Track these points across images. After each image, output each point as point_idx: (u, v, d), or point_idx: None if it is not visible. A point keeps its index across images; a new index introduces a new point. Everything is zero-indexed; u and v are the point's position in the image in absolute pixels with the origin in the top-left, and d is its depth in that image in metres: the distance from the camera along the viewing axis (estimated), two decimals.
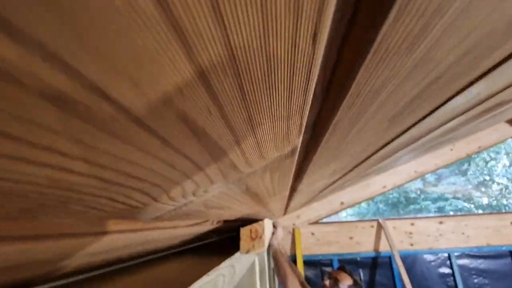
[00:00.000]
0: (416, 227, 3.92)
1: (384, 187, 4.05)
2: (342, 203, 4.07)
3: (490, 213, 3.77)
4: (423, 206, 11.27)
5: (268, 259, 1.66)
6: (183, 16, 0.12)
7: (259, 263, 1.38)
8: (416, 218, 3.98)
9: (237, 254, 0.76)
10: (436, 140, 0.78)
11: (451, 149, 3.97)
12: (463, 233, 3.78)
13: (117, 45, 0.12)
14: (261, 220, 0.72)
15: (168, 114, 0.18)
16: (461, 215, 3.87)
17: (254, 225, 0.71)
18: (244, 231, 0.71)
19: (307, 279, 3.84)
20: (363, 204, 12.96)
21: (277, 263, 1.42)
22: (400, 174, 3.98)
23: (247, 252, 0.68)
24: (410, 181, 4.02)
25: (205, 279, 0.42)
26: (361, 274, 3.86)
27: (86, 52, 0.12)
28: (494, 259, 3.65)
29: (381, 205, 12.33)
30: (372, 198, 4.08)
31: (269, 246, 1.45)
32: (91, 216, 0.29)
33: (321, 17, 0.15)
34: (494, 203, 10.60)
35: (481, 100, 0.47)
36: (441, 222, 3.87)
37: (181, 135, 0.22)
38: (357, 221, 4.04)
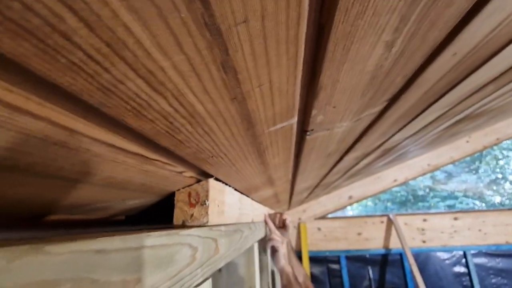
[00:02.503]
0: (429, 223, 3.70)
1: (395, 181, 3.84)
2: (350, 197, 3.87)
3: (510, 209, 3.52)
4: (432, 204, 10.93)
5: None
6: None
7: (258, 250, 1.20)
8: (429, 213, 3.76)
9: (223, 227, 0.58)
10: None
11: (467, 141, 3.73)
12: (480, 230, 3.54)
13: None
14: (204, 180, 0.53)
15: None
16: (478, 211, 3.63)
17: (195, 186, 0.52)
18: (180, 196, 0.51)
19: (313, 276, 3.66)
20: (370, 203, 12.70)
21: None
22: (412, 167, 3.76)
23: (183, 223, 0.49)
24: (424, 174, 3.79)
25: (137, 240, 0.25)
26: (370, 272, 3.66)
27: None
28: None
29: (388, 204, 12.04)
30: (383, 192, 3.87)
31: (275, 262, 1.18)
32: None
33: None
34: (507, 202, 10.21)
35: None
36: (456, 218, 3.65)
37: None
38: (366, 216, 3.84)
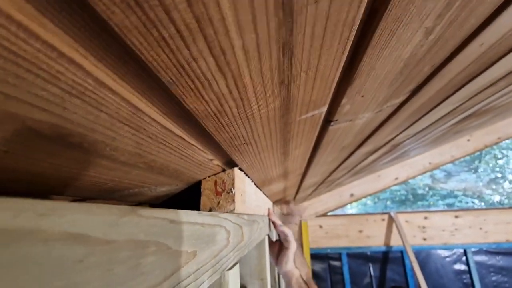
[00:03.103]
0: (430, 221, 3.72)
1: (397, 179, 3.86)
2: (352, 195, 3.89)
3: (511, 208, 3.55)
4: (432, 203, 10.98)
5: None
6: None
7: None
8: (430, 211, 3.78)
9: (246, 216, 0.59)
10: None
11: (468, 140, 3.75)
12: (480, 228, 3.57)
13: None
14: (230, 169, 0.54)
15: None
16: (479, 209, 3.66)
17: (221, 174, 0.53)
18: (206, 184, 0.52)
19: (314, 273, 3.68)
20: (369, 202, 12.74)
21: None
22: (413, 166, 3.78)
23: (210, 211, 0.50)
24: (424, 173, 3.81)
25: (194, 216, 0.26)
26: (371, 269, 3.68)
27: None
28: None
29: (388, 202, 12.08)
30: (384, 190, 3.89)
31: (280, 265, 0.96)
32: None
33: None
34: (506, 201, 10.27)
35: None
36: (457, 216, 3.67)
37: None
38: (367, 214, 3.86)
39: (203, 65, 0.21)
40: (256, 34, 0.21)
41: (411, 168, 3.78)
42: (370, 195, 3.94)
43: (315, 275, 3.69)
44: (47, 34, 0.15)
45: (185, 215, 0.24)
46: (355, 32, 0.26)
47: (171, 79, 0.22)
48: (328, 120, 0.52)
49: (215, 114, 0.30)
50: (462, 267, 3.52)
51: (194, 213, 0.27)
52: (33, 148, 0.23)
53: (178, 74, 0.21)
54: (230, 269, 0.43)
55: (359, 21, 0.24)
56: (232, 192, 0.53)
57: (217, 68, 0.23)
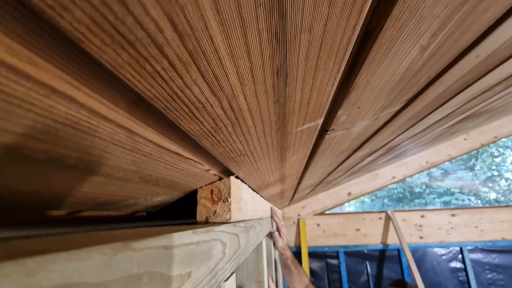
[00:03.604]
0: (427, 220, 3.75)
1: (394, 177, 3.87)
2: (349, 193, 3.91)
3: (507, 206, 3.58)
4: (428, 201, 11.06)
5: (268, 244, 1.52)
6: None
7: (266, 246, 1.22)
8: (426, 210, 3.80)
9: (243, 223, 0.59)
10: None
11: (465, 139, 3.77)
12: (476, 227, 3.60)
13: None
14: (227, 178, 0.54)
15: None
16: (475, 208, 3.68)
17: (217, 183, 0.53)
18: (203, 193, 0.52)
19: (312, 271, 3.70)
20: (367, 199, 12.80)
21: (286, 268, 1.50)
22: (411, 165, 3.80)
23: (206, 220, 0.50)
24: (421, 171, 3.83)
25: (189, 237, 0.26)
26: (368, 267, 3.71)
27: None
28: (509, 254, 3.47)
29: (385, 200, 12.15)
30: (381, 189, 3.91)
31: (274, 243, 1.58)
32: None
33: None
34: (502, 198, 10.35)
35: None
36: (453, 215, 3.70)
37: None
38: (364, 212, 3.88)
39: (196, 91, 0.21)
40: (250, 62, 0.21)
41: (408, 167, 3.80)
42: (367, 193, 3.96)
43: (313, 274, 3.71)
44: (39, 72, 0.15)
45: (179, 238, 0.24)
46: (350, 51, 0.26)
47: (165, 105, 0.22)
48: (324, 129, 0.53)
49: (210, 133, 0.30)
50: (458, 265, 3.55)
51: (188, 233, 0.28)
52: (27, 171, 0.23)
53: (172, 101, 0.21)
54: (226, 280, 0.43)
55: (354, 42, 0.24)
56: (228, 201, 0.53)
57: (211, 93, 0.23)
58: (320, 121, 0.44)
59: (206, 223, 0.52)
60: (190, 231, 0.29)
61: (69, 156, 0.23)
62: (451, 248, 3.62)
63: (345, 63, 0.28)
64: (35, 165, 0.23)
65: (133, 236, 0.19)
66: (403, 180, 3.99)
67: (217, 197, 0.53)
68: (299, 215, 3.92)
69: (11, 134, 0.18)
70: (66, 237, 0.17)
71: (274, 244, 1.57)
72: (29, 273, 0.10)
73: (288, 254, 1.57)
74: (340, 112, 0.43)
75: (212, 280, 0.34)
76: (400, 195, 11.90)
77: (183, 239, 0.26)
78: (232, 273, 0.47)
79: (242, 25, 0.16)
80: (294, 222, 3.89)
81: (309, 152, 0.67)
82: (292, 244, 3.79)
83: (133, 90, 0.19)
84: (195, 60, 0.18)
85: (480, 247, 3.54)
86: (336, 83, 0.32)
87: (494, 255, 3.50)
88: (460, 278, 3.50)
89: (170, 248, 0.22)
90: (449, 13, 0.26)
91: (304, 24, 0.19)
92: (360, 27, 0.23)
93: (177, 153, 0.34)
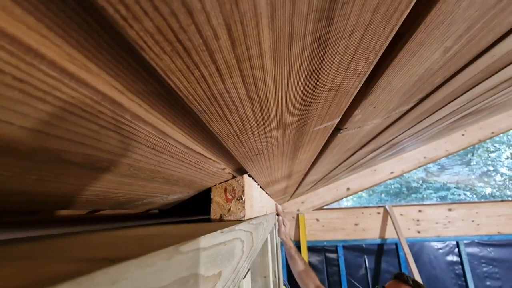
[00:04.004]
0: (424, 214, 3.79)
1: (392, 173, 3.90)
2: (348, 189, 3.93)
3: (503, 201, 3.63)
4: (425, 195, 11.17)
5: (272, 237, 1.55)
6: None
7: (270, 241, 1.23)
8: (424, 205, 3.84)
9: (254, 220, 0.60)
10: None
11: (463, 135, 3.80)
12: (473, 221, 3.65)
13: None
14: (240, 176, 0.55)
15: None
16: (472, 202, 3.73)
17: (230, 181, 0.53)
18: (216, 191, 0.53)
19: (311, 265, 3.74)
20: (365, 194, 12.90)
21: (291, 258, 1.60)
22: (409, 160, 3.83)
23: (220, 218, 0.51)
24: (419, 167, 3.87)
25: (218, 237, 0.26)
26: (366, 261, 3.76)
27: None
28: (505, 247, 3.53)
29: (383, 195, 12.25)
30: (379, 184, 3.94)
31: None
32: None
33: None
34: (497, 193, 10.49)
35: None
36: (450, 210, 3.74)
37: None
38: (363, 207, 3.91)
39: (234, 94, 0.22)
40: (289, 66, 0.21)
41: (406, 162, 3.83)
42: (366, 189, 3.99)
43: (312, 267, 3.75)
44: (92, 78, 0.15)
45: (212, 239, 0.25)
46: (380, 55, 0.26)
47: (202, 108, 0.22)
48: (338, 128, 0.53)
49: (236, 134, 0.31)
50: (455, 258, 3.60)
51: (217, 234, 0.28)
52: (62, 174, 0.23)
53: (209, 104, 0.22)
54: (244, 277, 0.44)
55: (386, 47, 0.25)
56: (242, 199, 0.53)
57: (247, 96, 0.23)
58: (337, 120, 0.44)
59: (221, 220, 0.52)
60: (219, 231, 0.29)
61: (104, 158, 0.23)
62: (448, 242, 3.67)
63: (373, 66, 0.28)
64: (70, 168, 0.23)
65: (179, 239, 0.19)
66: (401, 176, 4.02)
67: (231, 195, 0.54)
68: (298, 210, 3.95)
69: (56, 139, 0.18)
70: (118, 240, 0.17)
71: (278, 230, 1.77)
72: (114, 281, 0.10)
73: (291, 244, 1.73)
74: (356, 112, 0.44)
75: (235, 278, 0.35)
76: (397, 190, 12.00)
77: (214, 239, 0.26)
78: (248, 270, 0.47)
79: (291, 31, 0.17)
80: (293, 217, 3.91)
81: (319, 149, 0.67)
82: (291, 238, 3.82)
83: (176, 94, 0.19)
84: (240, 65, 0.18)
85: (476, 241, 3.59)
86: (360, 85, 0.32)
87: (490, 249, 3.56)
88: (457, 271, 3.56)
89: (206, 249, 0.23)
90: (479, 15, 0.26)
91: (347, 29, 0.19)
92: (394, 33, 0.23)
93: (201, 154, 0.34)
